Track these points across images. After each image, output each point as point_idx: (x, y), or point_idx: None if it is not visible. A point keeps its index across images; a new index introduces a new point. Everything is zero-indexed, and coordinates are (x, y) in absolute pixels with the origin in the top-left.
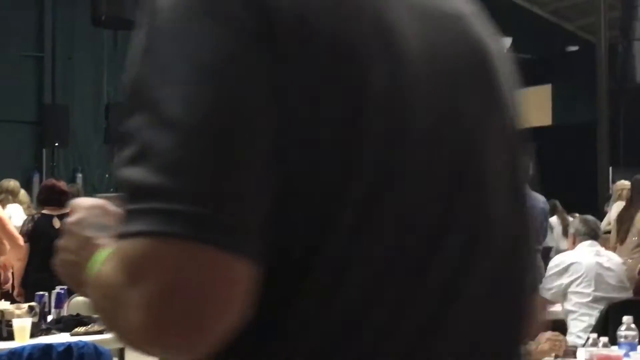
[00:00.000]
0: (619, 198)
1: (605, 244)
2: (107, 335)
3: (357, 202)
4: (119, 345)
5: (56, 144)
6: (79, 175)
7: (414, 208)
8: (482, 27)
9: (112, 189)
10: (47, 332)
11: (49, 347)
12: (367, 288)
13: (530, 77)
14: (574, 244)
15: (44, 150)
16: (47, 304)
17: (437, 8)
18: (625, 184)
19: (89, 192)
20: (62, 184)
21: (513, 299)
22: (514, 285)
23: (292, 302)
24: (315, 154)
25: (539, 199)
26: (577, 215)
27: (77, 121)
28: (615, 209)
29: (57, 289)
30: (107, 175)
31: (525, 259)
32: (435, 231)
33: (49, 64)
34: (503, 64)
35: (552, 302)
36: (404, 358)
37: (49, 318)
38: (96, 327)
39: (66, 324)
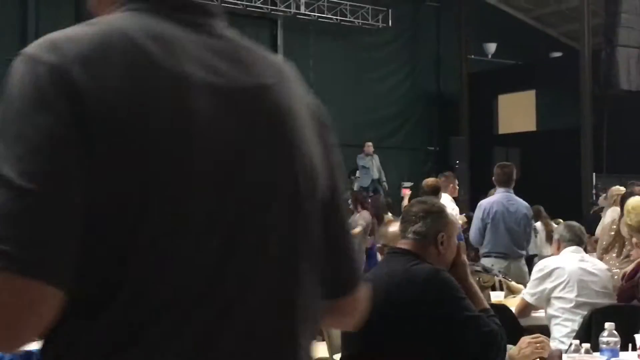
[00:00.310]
0: (614, 204)
1: (595, 248)
2: None
3: (143, 247)
4: None
5: None
6: None
7: (193, 251)
8: (289, 94)
9: None
10: None
11: (28, 355)
12: (143, 311)
13: (515, 82)
14: (559, 250)
15: None
16: None
17: (238, 85)
18: (620, 189)
19: None
20: None
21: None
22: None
23: (68, 318)
24: (111, 211)
25: (522, 205)
26: (560, 220)
27: None
28: (609, 214)
29: None
30: None
31: (305, 295)
32: (213, 268)
33: None
34: (309, 127)
35: (536, 308)
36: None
37: None
38: None
39: None
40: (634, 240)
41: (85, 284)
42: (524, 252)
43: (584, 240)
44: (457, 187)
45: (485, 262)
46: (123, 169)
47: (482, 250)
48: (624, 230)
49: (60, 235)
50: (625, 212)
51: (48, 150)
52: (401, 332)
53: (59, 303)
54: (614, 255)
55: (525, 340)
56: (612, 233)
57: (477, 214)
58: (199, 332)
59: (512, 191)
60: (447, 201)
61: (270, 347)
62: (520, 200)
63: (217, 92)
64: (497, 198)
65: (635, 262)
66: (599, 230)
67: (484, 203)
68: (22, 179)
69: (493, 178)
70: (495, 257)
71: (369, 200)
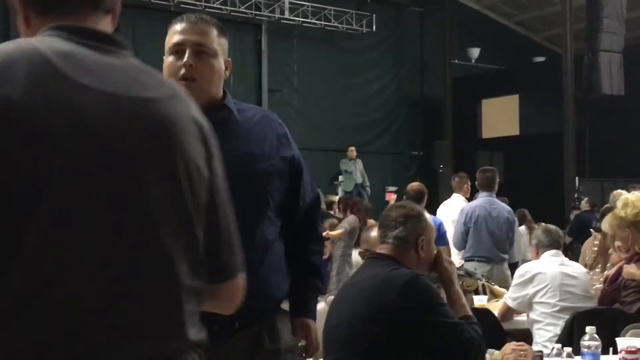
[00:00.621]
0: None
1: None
2: None
3: (36, 232)
4: None
5: None
6: None
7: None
8: (176, 109)
9: None
10: None
11: None
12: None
13: (498, 87)
14: (538, 255)
15: None
16: None
17: (130, 95)
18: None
19: None
20: None
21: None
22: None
23: None
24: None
25: (505, 209)
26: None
27: None
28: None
29: None
30: None
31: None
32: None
33: None
34: (193, 136)
35: (519, 312)
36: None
37: None
38: None
39: None
40: (617, 243)
41: None
42: (506, 256)
43: (561, 243)
44: (470, 189)
45: (468, 266)
46: (18, 157)
47: (465, 254)
48: (605, 227)
49: None
50: (620, 204)
51: None
52: (380, 337)
53: None
54: (598, 270)
55: (509, 346)
56: (595, 248)
57: (460, 219)
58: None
59: (494, 195)
60: (460, 201)
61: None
62: (503, 204)
63: (110, 99)
64: (480, 202)
65: (617, 265)
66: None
67: (466, 207)
68: None
69: (476, 182)
70: (477, 261)
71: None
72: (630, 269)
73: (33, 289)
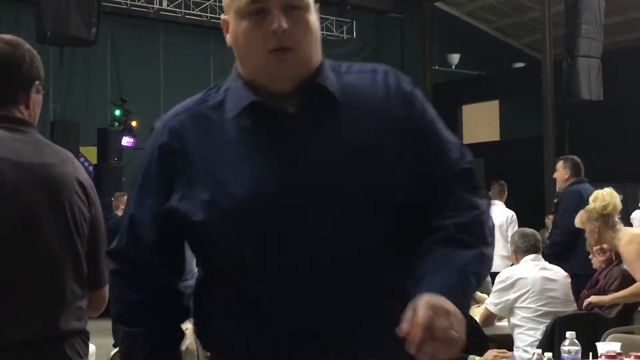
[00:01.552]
0: None
1: None
2: None
3: None
4: None
5: None
6: None
7: None
8: (64, 170)
9: None
10: None
11: None
12: None
13: (478, 93)
14: (517, 260)
15: None
16: None
17: (32, 161)
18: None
19: None
20: None
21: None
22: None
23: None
24: None
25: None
26: None
27: None
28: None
29: None
30: None
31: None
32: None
33: None
34: (74, 189)
35: (500, 317)
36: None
37: None
38: None
39: None
40: (595, 248)
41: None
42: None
43: (539, 246)
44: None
45: None
46: None
47: None
48: (577, 221)
49: None
50: (592, 198)
51: None
52: None
53: None
54: None
55: (491, 353)
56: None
57: None
58: None
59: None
60: (502, 208)
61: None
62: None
63: (17, 165)
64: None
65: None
66: None
67: None
68: None
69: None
70: None
71: None
72: (594, 299)
73: None
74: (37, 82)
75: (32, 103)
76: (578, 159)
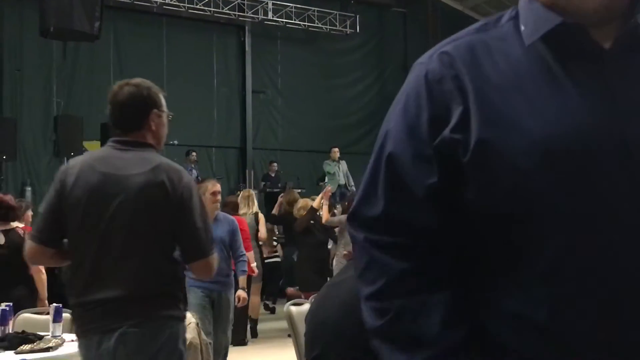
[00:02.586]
0: None
1: None
2: (53, 353)
3: None
4: None
5: (4, 158)
6: (28, 189)
7: None
8: (146, 177)
9: None
10: None
11: None
12: None
13: None
14: None
15: None
16: None
17: (120, 172)
18: None
19: (39, 205)
20: (9, 198)
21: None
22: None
23: None
24: None
25: None
26: None
27: (25, 134)
28: None
29: (2, 305)
30: None
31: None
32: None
33: None
34: (153, 190)
35: None
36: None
37: None
38: (42, 345)
39: (11, 341)
40: None
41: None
42: None
43: None
44: None
45: None
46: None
47: None
48: None
49: None
50: None
51: None
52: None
53: None
54: None
55: None
56: None
57: None
58: None
59: None
60: None
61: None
62: None
63: (106, 175)
64: None
65: None
66: None
67: None
68: None
69: None
70: None
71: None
72: None
73: None
74: (155, 110)
75: (154, 126)
76: None
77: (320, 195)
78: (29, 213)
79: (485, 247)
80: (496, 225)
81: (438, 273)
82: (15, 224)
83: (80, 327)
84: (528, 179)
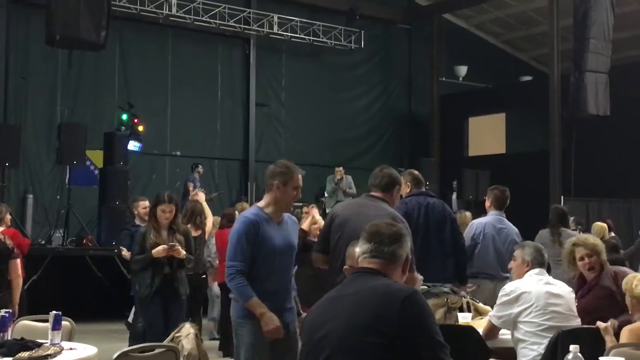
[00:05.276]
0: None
1: None
2: None
3: None
4: None
5: (6, 164)
6: (30, 197)
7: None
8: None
9: (62, 211)
10: None
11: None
12: None
13: (485, 105)
14: (518, 269)
15: None
16: None
17: (362, 212)
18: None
19: (40, 213)
20: None
21: None
22: None
23: None
24: None
25: (513, 230)
26: None
27: (29, 141)
28: None
29: (2, 312)
30: (58, 197)
31: None
32: None
33: (1, 84)
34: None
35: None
36: None
37: None
38: (40, 352)
39: (10, 348)
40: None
41: None
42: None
43: (544, 261)
44: None
45: (472, 282)
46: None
47: (470, 270)
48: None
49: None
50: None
51: None
52: (379, 348)
53: None
54: None
55: None
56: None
57: (468, 233)
58: None
59: (504, 215)
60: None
61: None
62: (511, 225)
63: (355, 214)
64: (490, 220)
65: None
66: None
67: (475, 223)
68: None
69: (487, 199)
70: (482, 277)
71: None
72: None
73: None
74: (395, 188)
75: (394, 198)
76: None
77: (308, 220)
78: (8, 217)
79: None
80: None
81: None
82: None
83: None
84: None
